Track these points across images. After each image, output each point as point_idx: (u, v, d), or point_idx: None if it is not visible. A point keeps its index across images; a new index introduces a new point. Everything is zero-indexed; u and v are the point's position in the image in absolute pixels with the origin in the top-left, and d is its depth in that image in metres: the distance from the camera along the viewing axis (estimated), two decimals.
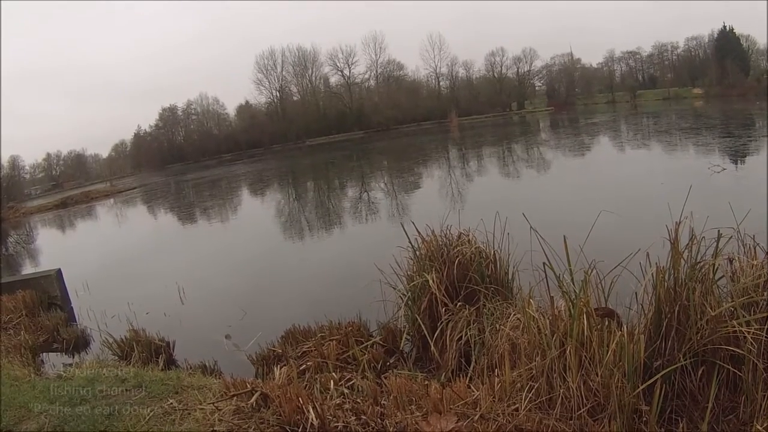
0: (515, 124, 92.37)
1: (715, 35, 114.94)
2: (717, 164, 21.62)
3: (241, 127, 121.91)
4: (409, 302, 8.57)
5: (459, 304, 8.01)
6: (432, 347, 7.74)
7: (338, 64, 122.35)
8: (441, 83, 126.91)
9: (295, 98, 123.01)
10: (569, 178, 25.89)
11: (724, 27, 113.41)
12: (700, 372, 5.53)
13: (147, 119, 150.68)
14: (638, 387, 5.21)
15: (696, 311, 5.61)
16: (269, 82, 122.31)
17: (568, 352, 5.50)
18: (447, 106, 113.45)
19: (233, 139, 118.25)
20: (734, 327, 5.42)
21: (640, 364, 5.34)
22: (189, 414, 6.25)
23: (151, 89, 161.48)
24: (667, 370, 5.32)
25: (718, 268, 6.00)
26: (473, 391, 5.90)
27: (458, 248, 8.63)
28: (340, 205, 29.24)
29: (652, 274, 5.83)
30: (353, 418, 5.71)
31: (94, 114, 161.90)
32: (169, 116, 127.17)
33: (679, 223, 5.89)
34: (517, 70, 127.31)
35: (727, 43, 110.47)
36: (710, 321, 5.55)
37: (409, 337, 8.65)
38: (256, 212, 31.84)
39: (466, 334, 7.48)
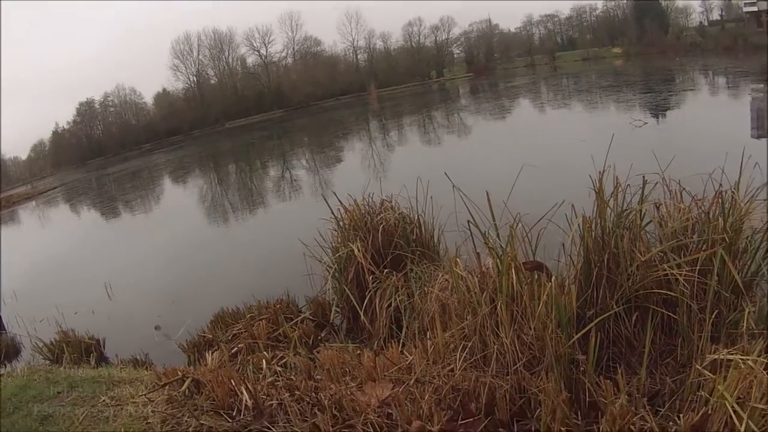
0: (435, 92, 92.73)
1: None
2: (639, 119, 21.84)
3: (159, 116, 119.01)
4: (336, 274, 8.48)
5: (386, 271, 7.93)
6: (362, 317, 7.63)
7: (255, 44, 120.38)
8: (359, 56, 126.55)
9: (212, 82, 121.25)
10: (490, 140, 26.04)
11: None
12: (634, 318, 5.49)
13: (65, 116, 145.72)
14: (573, 337, 5.12)
15: (625, 258, 5.55)
16: (186, 67, 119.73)
17: (498, 307, 5.40)
18: (366, 79, 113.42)
19: (152, 128, 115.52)
20: (665, 270, 5.37)
21: (573, 315, 5.25)
22: (122, 409, 6.00)
23: (64, 84, 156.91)
24: (601, 318, 5.24)
25: (645, 213, 5.94)
26: (407, 356, 5.78)
27: (381, 215, 8.59)
28: (262, 185, 29.13)
29: (579, 224, 5.74)
30: (287, 394, 5.52)
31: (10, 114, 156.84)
32: (86, 111, 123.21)
33: (603, 171, 5.81)
34: (435, 39, 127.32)
35: (645, 2, 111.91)
36: (640, 266, 5.50)
37: (338, 309, 8.54)
38: (179, 200, 31.61)
39: (395, 300, 7.39)
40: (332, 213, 8.85)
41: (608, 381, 4.63)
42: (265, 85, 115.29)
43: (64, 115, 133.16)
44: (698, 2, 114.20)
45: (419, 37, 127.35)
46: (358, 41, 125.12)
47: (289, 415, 5.16)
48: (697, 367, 4.53)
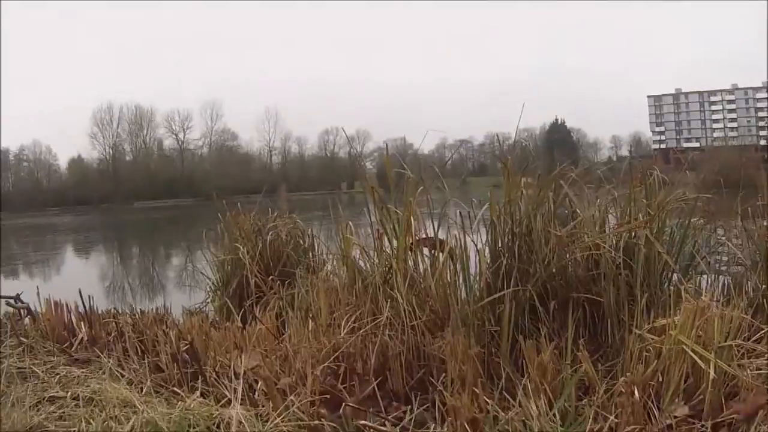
0: (344, 203, 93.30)
1: (547, 127, 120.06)
2: None
3: (71, 182, 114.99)
4: (219, 288, 7.81)
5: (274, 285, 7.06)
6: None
7: (174, 127, 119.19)
8: (273, 158, 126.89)
9: (128, 158, 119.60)
10: None
11: (556, 120, 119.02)
12: (551, 308, 4.65)
13: None
14: (483, 300, 4.47)
15: (540, 238, 4.83)
16: (104, 137, 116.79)
17: (394, 271, 4.82)
18: (277, 180, 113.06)
19: (61, 193, 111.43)
20: (589, 243, 4.83)
21: (484, 285, 4.66)
22: None
23: None
24: (514, 289, 4.50)
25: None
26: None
27: (273, 225, 8.01)
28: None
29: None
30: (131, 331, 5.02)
31: None
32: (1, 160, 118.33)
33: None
34: (350, 151, 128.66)
35: (557, 134, 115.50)
36: (558, 244, 4.83)
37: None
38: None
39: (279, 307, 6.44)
40: (221, 218, 8.20)
41: (531, 340, 3.86)
42: (179, 171, 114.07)
43: None
44: (608, 137, 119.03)
45: (334, 146, 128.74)
46: (274, 141, 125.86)
47: (128, 350, 4.31)
48: (637, 331, 3.83)
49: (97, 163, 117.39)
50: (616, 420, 3.21)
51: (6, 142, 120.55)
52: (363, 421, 3.43)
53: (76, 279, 19.86)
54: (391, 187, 5.49)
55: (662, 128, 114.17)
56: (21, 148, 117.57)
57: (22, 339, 4.97)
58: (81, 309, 6.08)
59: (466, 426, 3.32)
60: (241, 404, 3.48)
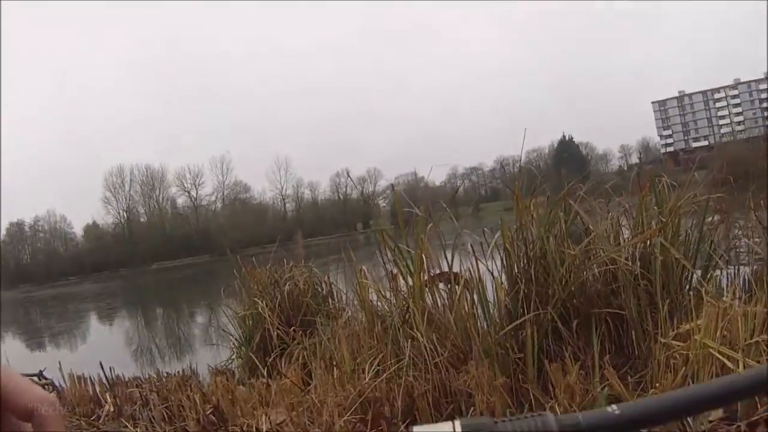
0: (360, 243, 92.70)
1: (555, 145, 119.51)
2: None
3: (87, 248, 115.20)
4: (242, 344, 7.75)
5: (296, 335, 6.99)
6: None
7: (186, 185, 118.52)
8: (287, 205, 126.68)
9: (142, 220, 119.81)
10: None
11: (564, 136, 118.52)
12: (575, 326, 4.60)
13: None
14: (504, 328, 4.42)
15: (554, 259, 4.79)
16: (117, 201, 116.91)
17: (411, 310, 4.76)
18: (292, 228, 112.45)
19: (79, 260, 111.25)
20: (602, 258, 4.81)
21: (504, 312, 4.65)
22: None
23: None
24: (534, 313, 4.47)
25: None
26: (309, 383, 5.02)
27: (290, 275, 7.92)
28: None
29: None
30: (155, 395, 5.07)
31: None
32: (16, 232, 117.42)
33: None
34: (362, 191, 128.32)
35: (566, 150, 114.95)
36: (573, 262, 4.78)
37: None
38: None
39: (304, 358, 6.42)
40: (237, 275, 8.15)
41: (556, 364, 3.79)
42: (194, 228, 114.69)
43: None
44: (617, 146, 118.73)
45: (346, 188, 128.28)
46: (286, 189, 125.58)
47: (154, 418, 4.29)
48: (662, 340, 3.77)
49: (112, 227, 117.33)
50: None
51: (21, 213, 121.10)
52: None
53: (102, 347, 19.89)
54: (402, 227, 5.52)
55: (669, 131, 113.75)
56: (36, 219, 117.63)
57: None
58: (104, 380, 6.08)
59: None
60: None
